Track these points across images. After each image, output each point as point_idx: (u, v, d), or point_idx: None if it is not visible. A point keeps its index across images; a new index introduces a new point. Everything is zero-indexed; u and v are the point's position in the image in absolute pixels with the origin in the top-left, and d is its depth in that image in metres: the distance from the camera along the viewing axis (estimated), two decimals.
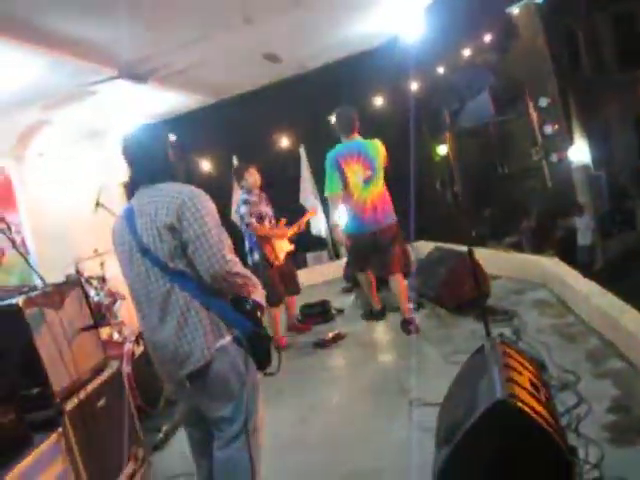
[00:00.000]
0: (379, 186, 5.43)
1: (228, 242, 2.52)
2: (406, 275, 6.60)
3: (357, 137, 5.47)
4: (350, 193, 5.40)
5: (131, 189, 2.73)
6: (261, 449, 2.65)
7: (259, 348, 2.50)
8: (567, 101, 11.80)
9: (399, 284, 5.52)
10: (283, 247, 5.89)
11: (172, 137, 2.80)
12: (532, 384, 2.58)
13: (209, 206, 2.51)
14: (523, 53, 13.19)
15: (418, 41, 7.08)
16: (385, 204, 5.47)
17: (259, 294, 2.58)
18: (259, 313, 2.53)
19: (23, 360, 2.86)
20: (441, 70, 11.49)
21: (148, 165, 2.63)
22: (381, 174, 5.43)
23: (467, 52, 12.77)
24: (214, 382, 2.51)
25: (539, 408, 2.35)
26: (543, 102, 11.50)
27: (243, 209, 5.64)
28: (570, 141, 11.51)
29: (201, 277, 2.45)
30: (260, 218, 5.71)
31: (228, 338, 2.51)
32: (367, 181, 5.38)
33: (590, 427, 3.00)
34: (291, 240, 6.07)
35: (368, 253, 5.63)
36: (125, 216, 2.61)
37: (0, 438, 2.58)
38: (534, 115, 11.83)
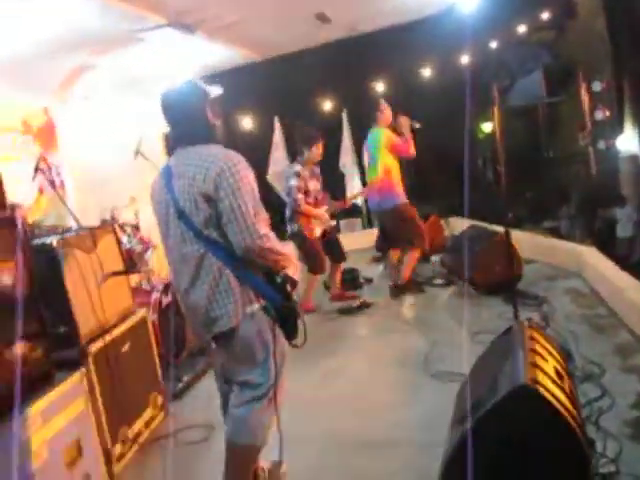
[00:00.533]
0: (377, 172, 5.93)
1: (264, 215, 2.49)
2: (429, 252, 6.69)
3: (377, 126, 6.07)
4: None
5: (170, 148, 2.71)
6: (274, 417, 2.64)
7: (287, 320, 2.53)
8: (622, 87, 11.39)
9: (393, 257, 6.35)
10: (322, 223, 5.92)
11: (217, 91, 2.74)
12: (557, 372, 2.52)
13: (247, 176, 2.47)
14: (580, 34, 12.74)
15: (473, 13, 6.88)
16: (383, 190, 5.96)
17: (292, 269, 2.57)
18: (289, 287, 2.53)
19: (53, 299, 2.90)
20: (494, 45, 11.19)
21: (187, 126, 2.58)
22: (380, 161, 5.92)
23: (522, 28, 12.39)
24: (240, 346, 2.53)
25: (561, 397, 2.31)
26: (597, 86, 11.12)
27: (293, 182, 5.71)
28: (620, 129, 11.14)
29: (231, 246, 2.44)
30: (305, 194, 5.73)
31: (257, 306, 2.52)
32: (368, 167, 6.15)
33: (611, 421, 2.94)
34: (332, 215, 6.15)
35: (381, 230, 6.63)
36: (163, 176, 2.59)
37: (25, 374, 2.63)
38: (586, 99, 11.47)
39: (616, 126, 11.09)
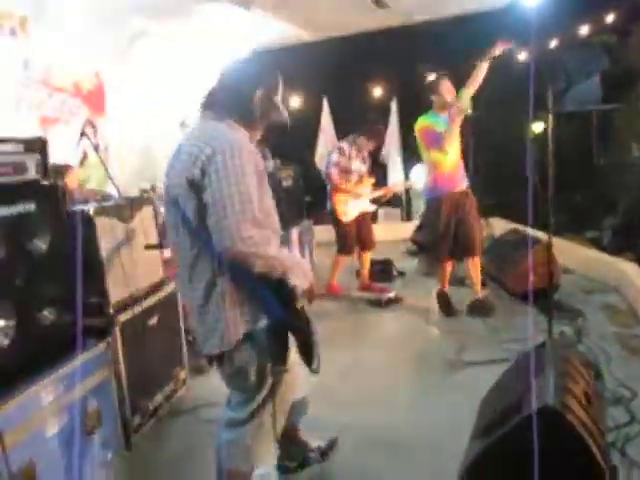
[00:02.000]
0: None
1: (253, 215, 2.02)
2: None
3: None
4: None
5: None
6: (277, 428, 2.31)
7: (286, 339, 2.14)
8: None
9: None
10: (359, 206, 5.89)
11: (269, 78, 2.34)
12: (585, 394, 2.46)
13: (245, 165, 2.05)
14: None
15: (535, 10, 6.68)
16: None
17: (300, 276, 2.16)
18: (296, 299, 2.17)
19: (87, 267, 2.91)
20: (553, 44, 10.90)
21: (222, 94, 2.27)
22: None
23: (584, 30, 12.04)
24: (230, 372, 2.26)
25: (587, 422, 2.24)
26: None
27: (334, 157, 5.77)
28: None
29: None
30: (346, 172, 5.72)
31: (255, 326, 2.15)
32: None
33: (637, 449, 2.86)
34: (374, 201, 6.09)
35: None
36: (174, 157, 2.27)
37: (52, 337, 2.66)
38: None
39: None
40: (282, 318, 2.10)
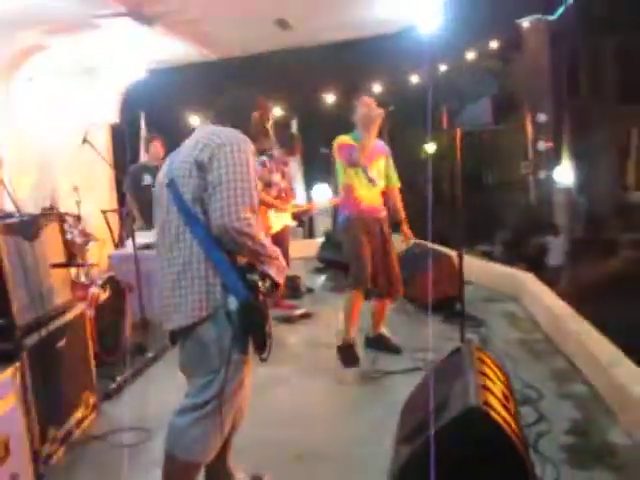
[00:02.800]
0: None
1: (252, 201, 2.28)
2: None
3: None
4: None
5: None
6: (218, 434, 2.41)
7: (251, 323, 2.28)
8: (561, 121, 11.87)
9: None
10: (281, 220, 5.90)
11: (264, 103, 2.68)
12: (503, 394, 2.56)
13: (249, 160, 2.33)
14: (525, 66, 13.23)
15: (429, 35, 7.00)
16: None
17: (274, 268, 2.36)
18: (266, 287, 2.32)
19: None
20: (443, 68, 11.44)
21: (224, 108, 2.60)
22: (339, 175, 4.68)
23: (471, 55, 12.74)
24: (194, 347, 2.37)
25: (509, 419, 2.34)
26: (541, 117, 11.55)
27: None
28: (557, 161, 11.59)
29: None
30: (266, 186, 5.72)
31: (223, 306, 2.29)
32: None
33: (548, 446, 3.02)
34: (294, 217, 6.12)
35: None
36: (176, 151, 2.54)
37: None
38: (529, 129, 11.88)
39: (555, 158, 11.53)
40: (246, 301, 2.25)
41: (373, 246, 4.50)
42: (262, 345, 2.35)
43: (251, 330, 2.31)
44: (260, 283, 2.30)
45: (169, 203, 2.37)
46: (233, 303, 2.26)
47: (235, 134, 2.38)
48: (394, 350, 4.66)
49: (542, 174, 11.74)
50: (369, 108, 4.52)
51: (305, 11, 6.23)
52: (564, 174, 11.67)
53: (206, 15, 5.72)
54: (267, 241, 2.36)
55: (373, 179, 4.57)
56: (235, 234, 2.23)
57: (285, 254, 5.98)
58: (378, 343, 4.77)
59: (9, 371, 2.73)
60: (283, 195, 5.95)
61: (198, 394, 2.36)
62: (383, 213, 4.68)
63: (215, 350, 2.31)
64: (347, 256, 4.53)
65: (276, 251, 2.40)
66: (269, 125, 2.68)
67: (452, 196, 4.16)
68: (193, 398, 2.38)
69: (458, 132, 4.03)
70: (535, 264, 11.30)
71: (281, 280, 2.40)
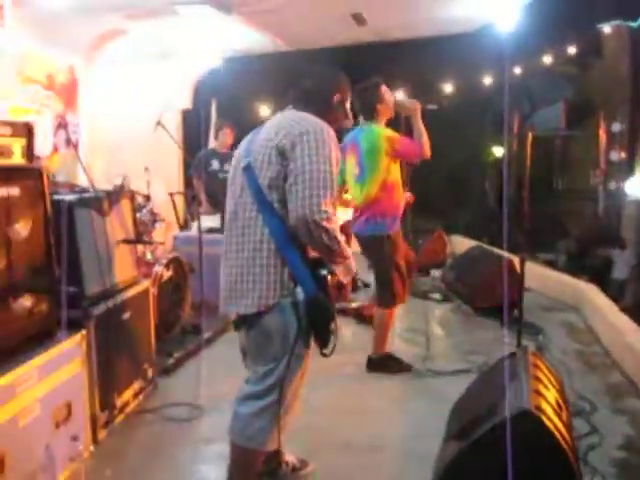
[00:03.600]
0: (370, 188, 4.09)
1: (333, 194, 2.21)
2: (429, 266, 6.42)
3: (373, 122, 4.16)
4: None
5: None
6: (287, 420, 2.46)
7: (317, 319, 2.26)
8: (637, 131, 11.46)
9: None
10: (346, 213, 5.86)
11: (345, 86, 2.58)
12: (557, 402, 2.53)
13: (332, 147, 2.25)
14: (604, 73, 12.84)
15: (506, 36, 6.89)
16: (374, 211, 4.11)
17: (343, 267, 2.33)
18: (332, 285, 2.29)
19: (65, 257, 2.87)
20: (519, 70, 11.23)
21: (305, 93, 2.49)
22: (375, 173, 4.06)
23: (548, 59, 12.46)
24: (258, 335, 2.35)
25: (560, 427, 2.31)
26: (616, 127, 11.19)
27: None
28: (630, 172, 11.20)
29: (287, 218, 2.22)
30: None
31: (289, 296, 2.27)
32: (355, 179, 4.23)
33: (598, 459, 2.97)
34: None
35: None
36: (253, 133, 2.49)
37: (28, 328, 2.61)
38: (603, 138, 11.54)
39: (627, 169, 11.16)
40: (315, 296, 2.23)
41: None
42: (326, 341, 2.33)
43: (316, 324, 2.29)
44: (329, 278, 2.27)
45: (244, 186, 2.33)
46: (300, 295, 2.25)
47: (317, 122, 2.30)
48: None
49: (613, 185, 11.37)
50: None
51: (382, 7, 6.23)
52: (636, 186, 11.26)
53: (283, 5, 5.79)
54: (342, 238, 2.29)
55: None
56: (313, 226, 2.16)
57: None
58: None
59: (77, 338, 2.87)
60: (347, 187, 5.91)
61: (258, 382, 2.38)
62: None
63: (278, 339, 2.31)
64: (384, 272, 4.14)
65: (348, 251, 2.33)
66: (348, 106, 2.59)
67: (517, 200, 4.10)
68: (254, 385, 2.40)
69: (529, 136, 3.94)
70: (599, 276, 10.97)
71: (346, 281, 2.37)
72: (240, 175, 2.37)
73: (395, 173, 4.13)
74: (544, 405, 2.33)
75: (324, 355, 2.35)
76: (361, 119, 4.21)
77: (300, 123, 2.27)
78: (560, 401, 2.61)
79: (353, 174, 4.22)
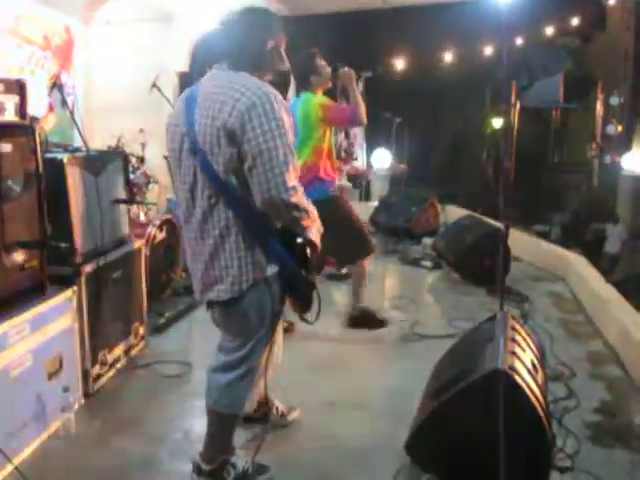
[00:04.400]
0: (307, 155, 4.11)
1: (295, 163, 2.11)
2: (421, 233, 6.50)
3: (309, 91, 4.21)
4: None
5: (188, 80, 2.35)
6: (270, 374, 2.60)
7: (298, 291, 2.25)
8: (637, 106, 11.44)
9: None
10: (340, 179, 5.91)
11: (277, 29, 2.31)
12: (532, 364, 2.62)
13: (282, 116, 2.07)
14: (606, 46, 12.75)
15: (506, 5, 6.85)
16: (310, 176, 4.10)
17: (315, 230, 2.24)
18: (309, 252, 2.21)
19: (56, 215, 2.93)
20: (519, 41, 11.15)
21: (235, 47, 2.21)
22: (312, 139, 4.13)
23: (550, 30, 12.36)
24: (234, 316, 2.31)
25: (534, 387, 2.40)
26: (614, 100, 11.17)
27: None
28: (628, 147, 11.21)
29: (250, 197, 2.11)
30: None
31: (263, 275, 2.22)
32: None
33: (573, 421, 3.05)
34: (349, 178, 6.11)
35: None
36: (185, 101, 2.22)
37: (19, 281, 2.68)
38: (601, 111, 11.52)
39: (625, 143, 11.17)
40: (292, 268, 2.20)
41: None
42: (307, 309, 2.32)
43: (298, 295, 2.28)
44: (307, 249, 2.21)
45: (197, 171, 2.17)
46: (273, 269, 2.23)
47: (261, 87, 2.09)
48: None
49: (608, 159, 11.39)
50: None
51: None
52: (632, 161, 11.29)
53: None
54: (309, 203, 2.20)
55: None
56: (282, 206, 2.08)
57: None
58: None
59: (67, 293, 2.95)
60: (343, 155, 5.94)
61: (232, 352, 2.38)
62: None
63: (255, 317, 2.29)
64: (346, 230, 4.19)
65: (315, 213, 2.25)
66: (282, 50, 2.33)
67: (503, 170, 4.14)
68: (227, 355, 2.39)
69: (517, 107, 3.95)
70: (592, 250, 11.08)
71: (319, 242, 2.28)
72: (188, 158, 2.19)
73: (330, 140, 4.23)
74: (518, 365, 2.41)
75: (307, 322, 2.37)
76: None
77: (244, 94, 2.05)
78: (536, 363, 2.69)
79: None
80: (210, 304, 2.37)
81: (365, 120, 4.18)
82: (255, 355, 2.37)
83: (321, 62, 4.17)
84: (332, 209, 4.06)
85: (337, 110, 4.21)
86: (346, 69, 4.22)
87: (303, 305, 2.32)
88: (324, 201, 3.98)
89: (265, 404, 2.95)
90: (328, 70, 4.21)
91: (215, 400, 2.44)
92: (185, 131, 2.18)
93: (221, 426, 2.49)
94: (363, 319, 4.47)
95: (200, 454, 2.48)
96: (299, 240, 2.18)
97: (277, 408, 3.01)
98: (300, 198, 2.12)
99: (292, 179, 2.08)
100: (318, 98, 4.19)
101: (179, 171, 2.25)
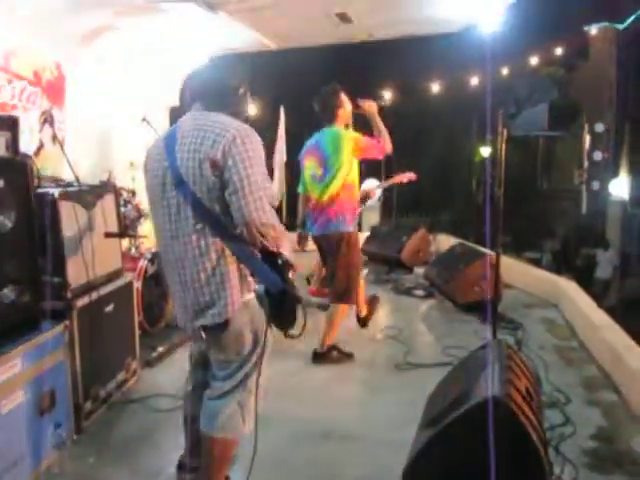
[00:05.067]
0: (333, 188, 4.23)
1: (270, 191, 2.27)
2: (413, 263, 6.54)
3: (333, 125, 4.36)
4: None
5: (180, 114, 2.59)
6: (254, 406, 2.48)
7: (285, 307, 2.27)
8: (622, 132, 11.62)
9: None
10: None
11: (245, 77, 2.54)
12: (527, 391, 2.61)
13: (258, 149, 2.26)
14: (590, 75, 12.99)
15: (489, 37, 6.97)
16: (331, 211, 4.27)
17: (287, 249, 2.31)
18: (289, 271, 2.28)
19: (49, 249, 2.92)
20: (505, 71, 11.33)
21: (211, 92, 2.40)
22: (340, 174, 4.22)
23: (534, 60, 12.57)
24: (229, 338, 2.36)
25: (530, 415, 2.39)
26: (599, 127, 11.35)
27: None
28: (614, 173, 11.36)
29: (233, 223, 2.22)
30: None
31: (253, 295, 2.35)
32: (315, 179, 4.36)
33: (570, 448, 3.05)
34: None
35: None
36: (165, 140, 2.37)
37: (11, 316, 2.66)
38: (587, 139, 11.68)
39: (611, 169, 11.31)
40: (283, 289, 2.23)
41: None
42: (291, 325, 2.33)
43: (284, 313, 2.29)
44: (288, 267, 2.26)
45: (180, 203, 2.27)
46: (261, 288, 2.28)
47: (239, 125, 2.28)
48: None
49: (596, 185, 11.51)
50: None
51: (366, 6, 6.30)
52: (620, 187, 11.43)
53: (266, 5, 5.85)
54: (279, 223, 2.30)
55: None
56: (262, 228, 2.19)
57: None
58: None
59: (59, 328, 2.93)
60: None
61: (228, 378, 2.41)
62: None
63: (249, 334, 2.37)
64: (347, 269, 4.32)
65: (284, 231, 2.33)
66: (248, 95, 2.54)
67: (494, 199, 4.18)
68: (223, 383, 2.42)
69: (504, 135, 4.01)
70: (583, 275, 11.14)
71: (291, 258, 2.32)
72: (171, 191, 2.30)
73: (354, 173, 4.32)
74: (514, 393, 2.41)
75: (292, 337, 2.38)
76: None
77: (225, 129, 2.23)
78: (531, 390, 2.68)
79: (314, 175, 4.37)
80: (198, 333, 2.39)
81: (391, 149, 4.34)
82: (250, 378, 2.40)
83: (344, 97, 4.36)
84: (346, 244, 4.26)
85: (368, 141, 4.28)
86: (370, 101, 4.41)
87: (289, 320, 2.32)
88: (342, 234, 4.25)
89: None
90: (349, 105, 4.39)
91: (209, 426, 2.44)
92: (167, 165, 2.30)
93: (218, 453, 2.47)
94: (329, 356, 4.41)
95: None
96: (280, 260, 2.25)
97: None
98: (274, 219, 2.24)
99: (267, 204, 2.22)
100: (346, 131, 4.33)
101: (162, 204, 2.34)
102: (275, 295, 2.25)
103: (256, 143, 2.27)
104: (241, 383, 2.40)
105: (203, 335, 2.40)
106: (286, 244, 2.32)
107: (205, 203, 2.23)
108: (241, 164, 2.18)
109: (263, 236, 2.21)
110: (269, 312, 2.29)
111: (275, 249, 2.26)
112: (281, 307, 2.28)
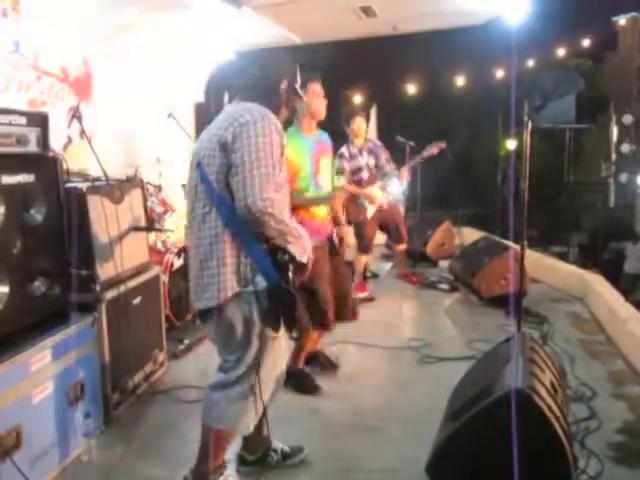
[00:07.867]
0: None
1: (275, 180, 2.23)
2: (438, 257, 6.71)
3: None
4: None
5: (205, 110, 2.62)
6: (260, 404, 2.42)
7: (280, 305, 2.28)
8: None
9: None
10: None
11: (292, 69, 2.59)
12: (552, 384, 2.61)
13: (272, 137, 2.25)
14: (618, 66, 12.79)
15: (515, 29, 6.90)
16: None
17: (299, 248, 2.31)
18: (293, 269, 2.29)
19: (78, 243, 2.98)
20: (531, 63, 11.21)
21: (252, 83, 2.46)
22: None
23: (562, 52, 12.42)
24: (222, 326, 2.36)
25: (554, 408, 2.39)
26: (627, 119, 11.16)
27: (337, 163, 5.44)
28: None
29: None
30: (355, 173, 5.79)
31: (249, 288, 2.30)
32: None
33: (595, 442, 3.02)
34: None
35: None
36: (209, 126, 2.46)
37: (41, 308, 2.73)
38: (614, 130, 11.51)
39: (639, 161, 11.14)
40: (276, 283, 2.26)
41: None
42: (291, 325, 2.39)
43: (281, 310, 2.31)
44: (290, 265, 2.28)
45: (198, 183, 2.34)
46: (261, 283, 2.29)
47: (260, 111, 2.30)
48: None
49: (624, 177, 11.34)
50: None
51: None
52: None
53: None
54: (292, 220, 2.32)
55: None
56: (258, 214, 2.17)
57: (394, 232, 6.23)
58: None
59: (88, 320, 2.99)
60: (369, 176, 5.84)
61: (229, 371, 2.40)
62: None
63: (241, 329, 2.33)
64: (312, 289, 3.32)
65: (299, 230, 2.33)
66: (297, 87, 2.59)
67: (519, 192, 4.15)
68: (225, 374, 2.42)
69: (529, 127, 3.97)
70: (611, 270, 10.98)
71: (305, 259, 2.35)
72: (193, 173, 2.38)
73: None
74: (537, 386, 2.41)
75: (293, 338, 2.42)
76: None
77: (243, 115, 2.26)
78: (556, 384, 2.68)
79: None
80: (202, 317, 2.44)
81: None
82: (251, 374, 2.36)
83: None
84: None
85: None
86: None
87: (286, 320, 2.35)
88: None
89: (261, 444, 2.83)
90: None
91: (208, 417, 2.47)
92: (196, 148, 2.42)
93: (214, 445, 2.48)
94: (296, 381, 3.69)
95: (191, 470, 2.51)
96: (284, 257, 2.27)
97: (276, 450, 2.87)
98: (276, 210, 2.20)
99: (269, 190, 2.19)
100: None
101: (188, 183, 2.46)
102: (272, 290, 2.27)
103: (270, 130, 2.26)
104: (239, 378, 2.38)
105: (198, 318, 2.47)
106: (299, 244, 2.32)
107: (214, 186, 2.28)
108: (247, 148, 2.21)
109: (266, 227, 2.21)
110: (265, 308, 2.29)
111: (282, 244, 2.28)
112: (276, 304, 2.29)
